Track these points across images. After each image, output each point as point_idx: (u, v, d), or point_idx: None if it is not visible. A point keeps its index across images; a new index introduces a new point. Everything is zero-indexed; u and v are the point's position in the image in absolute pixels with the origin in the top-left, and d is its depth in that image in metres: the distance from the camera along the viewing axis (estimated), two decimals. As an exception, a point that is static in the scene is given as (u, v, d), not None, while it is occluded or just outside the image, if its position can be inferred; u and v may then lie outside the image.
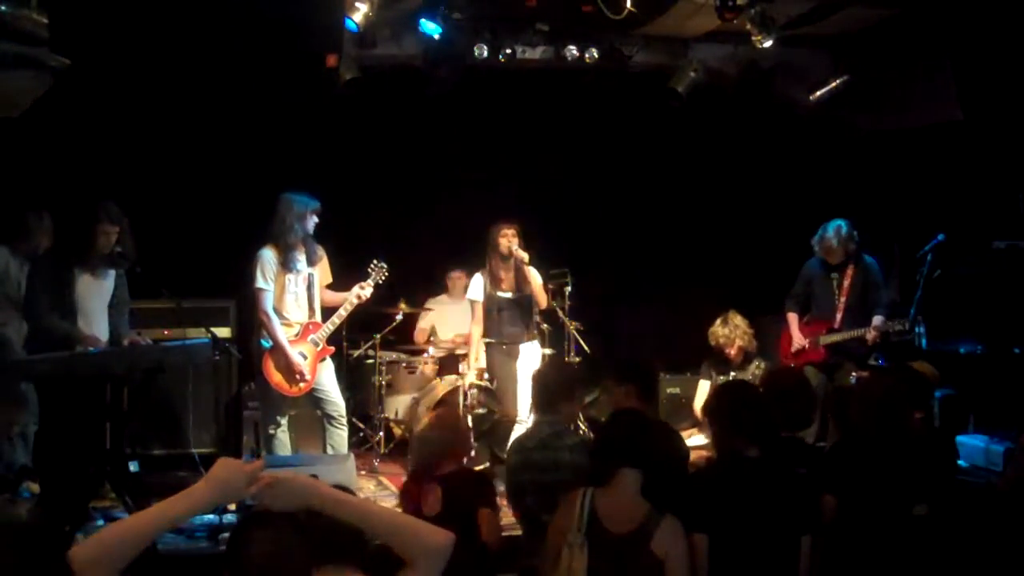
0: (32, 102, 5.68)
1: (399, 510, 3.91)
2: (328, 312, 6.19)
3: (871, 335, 6.49)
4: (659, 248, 8.68)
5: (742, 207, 8.57)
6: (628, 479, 3.37)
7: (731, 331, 6.93)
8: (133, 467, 5.75)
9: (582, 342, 7.47)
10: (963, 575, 4.01)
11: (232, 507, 4.94)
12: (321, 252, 6.16)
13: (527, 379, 5.85)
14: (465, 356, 7.08)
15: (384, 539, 2.31)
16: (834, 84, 7.43)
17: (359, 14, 6.08)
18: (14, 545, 1.95)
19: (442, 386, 7.03)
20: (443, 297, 8.05)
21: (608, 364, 6.00)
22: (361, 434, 7.42)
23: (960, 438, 6.53)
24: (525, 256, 6.57)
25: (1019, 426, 6.29)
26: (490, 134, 8.14)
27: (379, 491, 6.35)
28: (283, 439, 6.19)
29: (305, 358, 6.02)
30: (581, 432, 6.13)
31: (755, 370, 6.95)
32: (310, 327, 6.08)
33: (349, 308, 6.15)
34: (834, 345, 6.68)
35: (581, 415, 6.38)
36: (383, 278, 6.24)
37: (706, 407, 4.63)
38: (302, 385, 6.03)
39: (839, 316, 6.70)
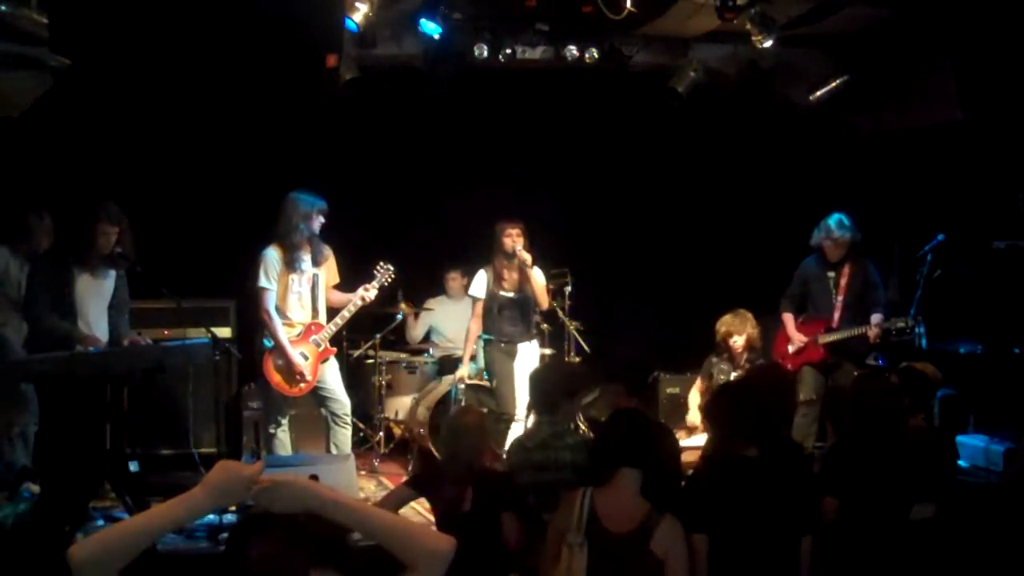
0: (32, 102, 5.68)
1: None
2: (332, 313, 6.18)
3: (872, 332, 6.44)
4: (659, 248, 8.68)
5: (742, 207, 8.56)
6: (628, 479, 3.37)
7: (741, 320, 6.78)
8: (133, 467, 5.74)
9: (582, 342, 7.47)
10: (963, 575, 4.02)
11: (232, 508, 4.93)
12: (328, 252, 6.12)
13: (525, 378, 5.85)
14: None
15: (384, 543, 2.30)
16: (834, 84, 7.43)
17: (359, 14, 6.08)
18: (14, 545, 1.96)
19: (442, 386, 7.03)
20: (442, 298, 8.05)
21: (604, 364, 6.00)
22: (361, 434, 7.41)
23: (960, 438, 6.53)
24: (528, 259, 6.52)
25: (1019, 426, 6.30)
26: (490, 134, 8.13)
27: (379, 491, 6.35)
28: (283, 439, 6.18)
29: (306, 358, 6.01)
30: (581, 432, 6.13)
31: (756, 370, 6.91)
32: (312, 328, 6.06)
33: (353, 310, 6.12)
34: (833, 344, 6.62)
35: (581, 415, 6.37)
36: (389, 280, 6.22)
37: (706, 408, 4.63)
38: (302, 385, 6.01)
39: (837, 315, 6.65)
